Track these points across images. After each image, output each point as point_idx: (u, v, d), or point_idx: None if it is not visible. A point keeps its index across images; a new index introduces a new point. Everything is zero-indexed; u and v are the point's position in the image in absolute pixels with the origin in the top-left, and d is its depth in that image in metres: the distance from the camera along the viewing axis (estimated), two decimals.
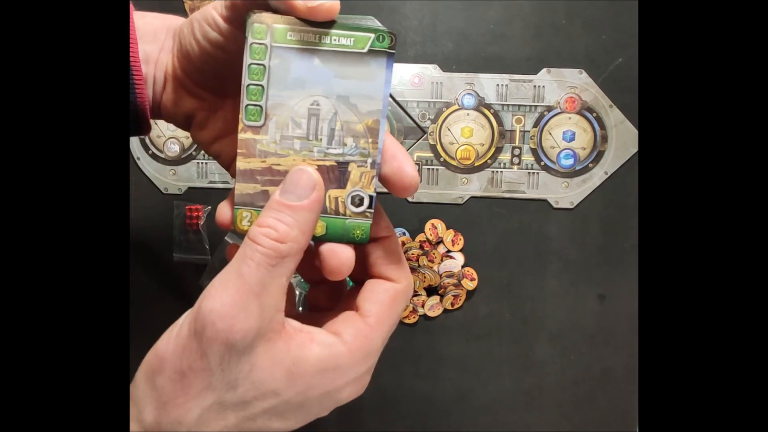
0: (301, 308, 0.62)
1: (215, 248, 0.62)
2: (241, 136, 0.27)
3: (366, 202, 0.27)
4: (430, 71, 0.61)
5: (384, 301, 0.28)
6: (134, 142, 0.62)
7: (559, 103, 0.61)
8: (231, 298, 0.24)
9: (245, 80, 0.26)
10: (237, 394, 0.24)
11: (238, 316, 0.24)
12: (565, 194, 0.62)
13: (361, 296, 0.29)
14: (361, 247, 0.29)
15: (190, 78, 0.31)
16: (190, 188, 0.62)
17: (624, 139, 0.61)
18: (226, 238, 0.61)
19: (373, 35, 0.26)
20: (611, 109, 0.61)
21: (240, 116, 0.27)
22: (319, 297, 0.33)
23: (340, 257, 0.28)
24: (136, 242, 0.62)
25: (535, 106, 0.61)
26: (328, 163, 0.27)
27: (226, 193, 0.63)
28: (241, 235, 0.27)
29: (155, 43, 0.32)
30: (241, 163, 0.27)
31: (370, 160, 0.27)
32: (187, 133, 0.61)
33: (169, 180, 0.62)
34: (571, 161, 0.61)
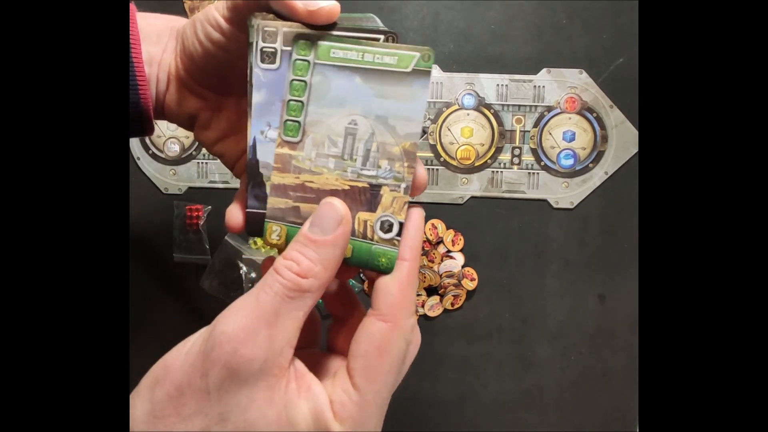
0: None
1: (215, 248, 0.62)
2: (277, 150, 0.27)
3: (395, 228, 0.26)
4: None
5: (369, 354, 0.25)
6: (134, 142, 0.62)
7: (559, 103, 0.61)
8: (242, 322, 0.23)
9: (286, 95, 0.26)
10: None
11: (245, 341, 0.23)
12: (565, 194, 0.62)
13: (351, 345, 0.25)
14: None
15: (193, 78, 0.31)
16: (190, 188, 0.62)
17: (624, 140, 0.61)
18: (226, 238, 0.61)
19: (418, 54, 0.25)
20: (611, 110, 0.61)
21: (279, 131, 0.27)
22: (339, 336, 0.30)
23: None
24: (136, 242, 0.62)
25: (535, 106, 0.61)
26: (360, 185, 0.26)
27: (226, 193, 0.63)
28: (271, 247, 0.27)
29: (158, 44, 0.32)
30: (275, 178, 0.27)
31: (403, 185, 0.26)
32: (188, 133, 0.62)
33: (169, 180, 0.62)
34: (571, 161, 0.61)
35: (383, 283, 0.26)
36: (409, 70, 0.26)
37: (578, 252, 0.62)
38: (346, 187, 0.26)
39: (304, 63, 0.26)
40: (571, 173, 0.61)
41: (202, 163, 0.62)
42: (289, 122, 0.26)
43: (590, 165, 0.61)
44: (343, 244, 0.25)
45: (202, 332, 0.25)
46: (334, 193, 0.27)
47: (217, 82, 0.31)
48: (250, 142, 0.28)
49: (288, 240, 0.27)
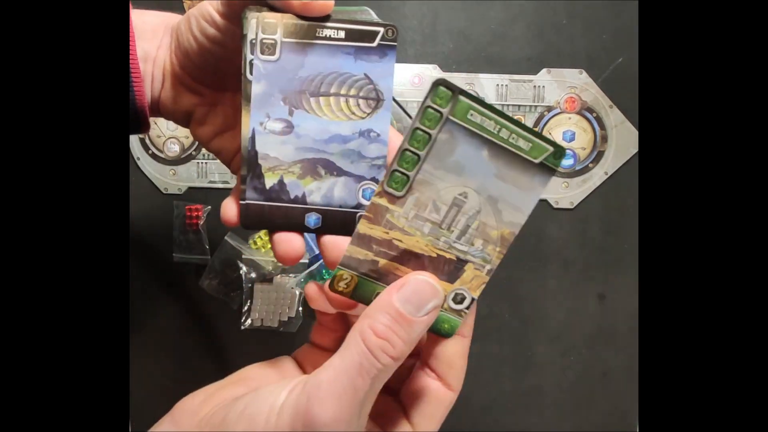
0: (301, 308, 0.62)
1: (215, 248, 0.62)
2: (375, 199, 0.25)
3: (466, 302, 0.27)
4: (431, 71, 0.61)
5: (435, 417, 0.27)
6: (134, 142, 0.62)
7: (559, 103, 0.61)
8: (342, 413, 0.23)
9: (404, 143, 0.24)
10: None
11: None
12: (565, 194, 0.62)
13: (414, 404, 0.27)
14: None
15: (189, 74, 0.31)
16: (190, 188, 0.62)
17: (624, 139, 0.61)
18: (226, 238, 0.61)
19: (552, 149, 0.24)
20: (611, 110, 0.61)
21: (383, 180, 0.25)
22: (323, 336, 0.32)
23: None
24: (136, 242, 0.62)
25: (535, 106, 0.61)
26: (447, 256, 0.26)
27: (226, 193, 0.63)
28: (333, 293, 0.26)
29: (154, 40, 0.32)
30: (363, 227, 0.25)
31: (488, 267, 0.26)
32: (188, 133, 0.62)
33: (169, 180, 0.62)
34: (571, 161, 0.61)
35: (449, 355, 0.27)
36: (537, 161, 0.24)
37: (578, 252, 0.62)
38: (433, 255, 0.25)
39: (436, 114, 0.24)
40: (571, 173, 0.61)
41: (202, 163, 0.62)
42: (397, 174, 0.24)
43: (590, 165, 0.61)
44: (430, 324, 0.25)
45: (286, 404, 0.24)
46: (419, 257, 0.25)
47: (213, 78, 0.31)
48: (248, 133, 0.28)
49: (356, 290, 0.26)
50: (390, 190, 0.25)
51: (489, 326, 0.63)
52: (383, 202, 0.25)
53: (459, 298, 0.26)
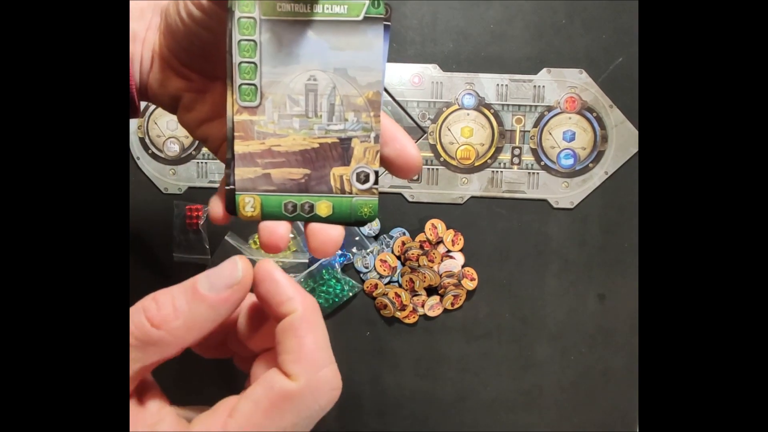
0: None
1: (215, 248, 0.62)
2: (237, 118, 0.25)
3: (372, 178, 0.26)
4: (430, 71, 0.61)
5: (260, 403, 0.22)
6: (134, 142, 0.62)
7: (559, 103, 0.61)
8: None
9: (236, 58, 0.25)
10: None
11: None
12: (565, 194, 0.62)
13: (249, 386, 0.24)
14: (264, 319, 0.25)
15: (177, 57, 0.30)
16: (190, 188, 0.62)
17: (624, 139, 0.61)
18: (226, 237, 0.61)
19: (367, 2, 0.25)
20: (611, 109, 0.61)
21: (234, 97, 0.25)
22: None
23: (329, 233, 0.26)
24: (136, 242, 0.62)
25: (535, 106, 0.61)
26: (329, 140, 0.26)
27: None
28: (247, 222, 0.26)
29: (142, 20, 0.30)
30: (239, 147, 0.26)
31: (373, 135, 0.26)
32: (188, 133, 0.62)
33: (169, 180, 0.62)
34: (571, 161, 0.61)
35: (280, 336, 0.23)
36: (360, 18, 0.25)
37: (578, 252, 0.62)
38: (316, 145, 0.26)
39: (249, 21, 0.25)
40: (571, 173, 0.61)
41: (202, 162, 0.62)
42: (244, 86, 0.25)
43: (590, 165, 0.61)
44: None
45: None
46: (303, 153, 0.26)
47: (202, 63, 0.30)
48: (232, 115, 0.27)
49: (263, 209, 0.26)
50: (245, 103, 0.25)
51: (489, 326, 0.63)
52: (245, 116, 0.25)
53: (363, 177, 0.26)
